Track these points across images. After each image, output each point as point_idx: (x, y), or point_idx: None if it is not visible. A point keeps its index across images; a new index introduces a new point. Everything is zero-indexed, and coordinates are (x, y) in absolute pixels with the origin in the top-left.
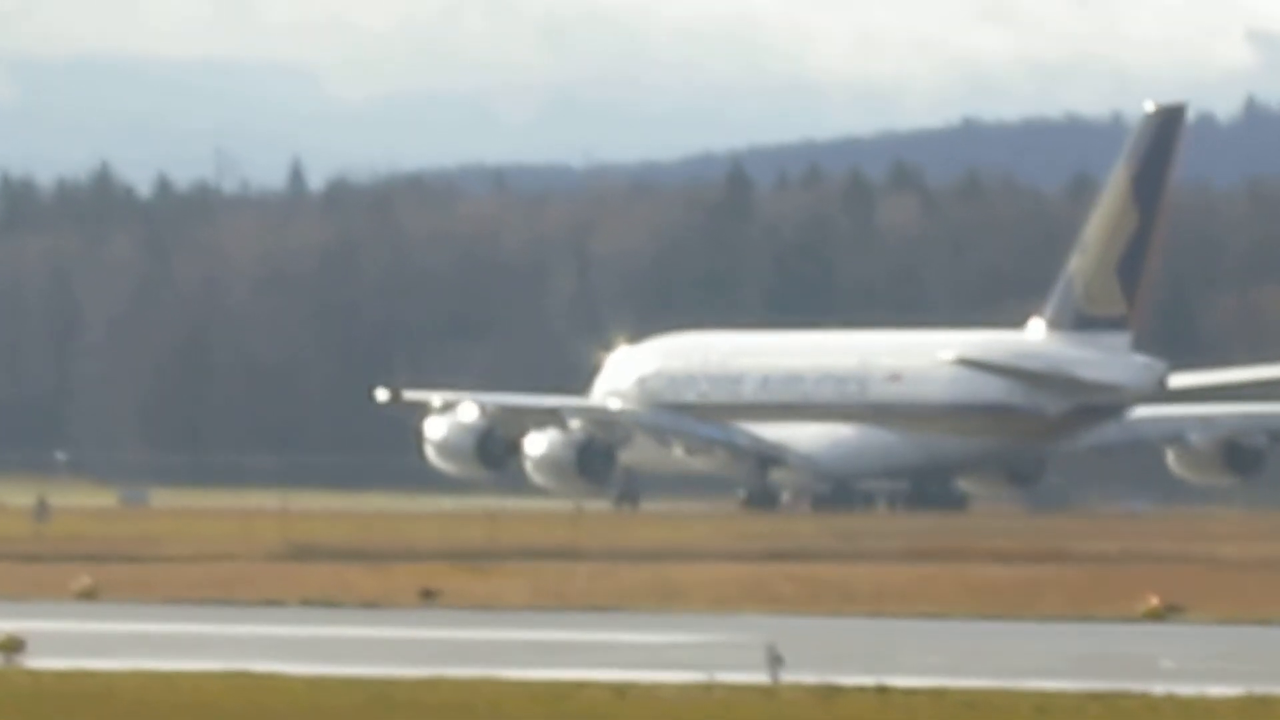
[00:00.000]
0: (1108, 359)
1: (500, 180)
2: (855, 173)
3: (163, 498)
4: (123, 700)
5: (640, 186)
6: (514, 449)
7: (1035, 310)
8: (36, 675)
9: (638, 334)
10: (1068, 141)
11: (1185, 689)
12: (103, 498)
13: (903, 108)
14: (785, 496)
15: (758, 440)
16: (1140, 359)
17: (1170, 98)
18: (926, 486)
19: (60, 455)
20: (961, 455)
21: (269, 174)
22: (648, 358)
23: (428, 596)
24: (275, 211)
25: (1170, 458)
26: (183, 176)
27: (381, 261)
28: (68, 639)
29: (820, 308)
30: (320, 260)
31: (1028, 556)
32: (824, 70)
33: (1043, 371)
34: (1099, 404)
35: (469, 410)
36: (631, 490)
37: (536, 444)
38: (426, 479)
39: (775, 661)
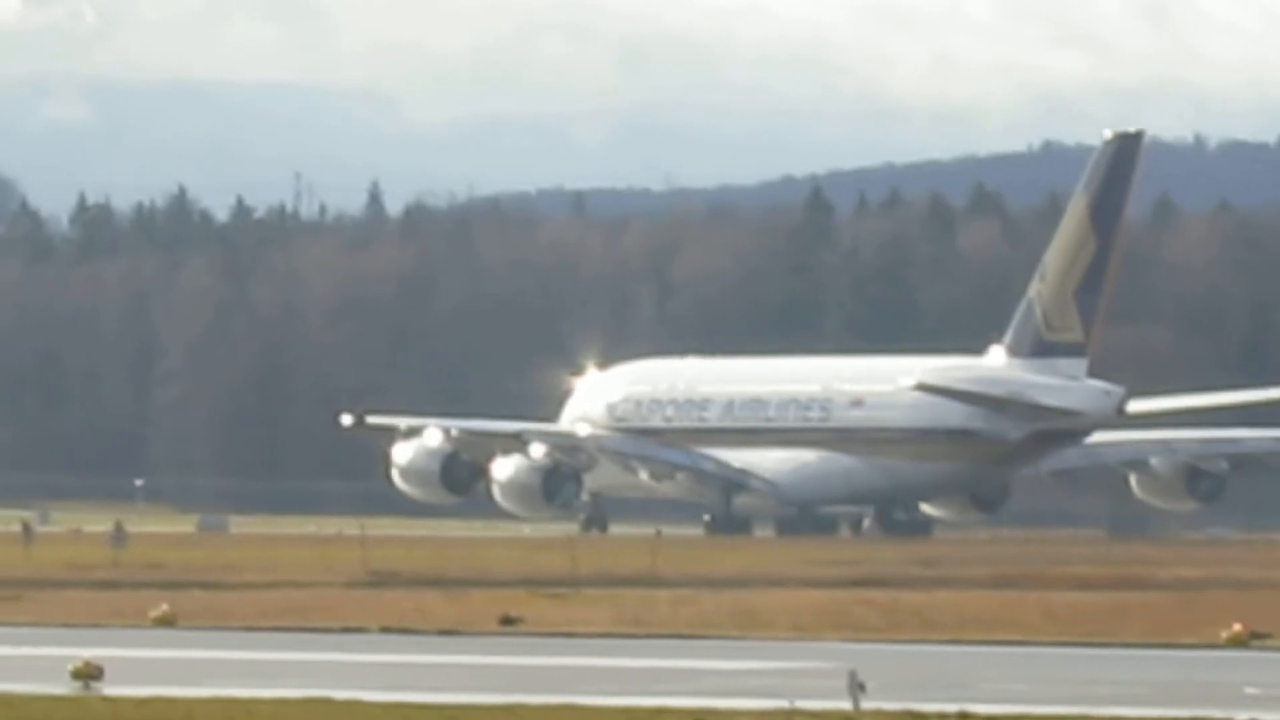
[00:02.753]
0: (1067, 385)
1: (579, 204)
2: (935, 196)
3: (241, 524)
4: None
5: (719, 210)
6: (479, 473)
7: (1117, 335)
8: (114, 703)
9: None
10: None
11: (1270, 716)
12: (181, 524)
13: (981, 131)
14: (866, 522)
15: (722, 465)
16: (1099, 384)
17: (1249, 120)
18: (891, 511)
19: (138, 482)
20: (924, 480)
21: (347, 199)
22: (615, 383)
23: (507, 623)
24: (353, 237)
25: (1133, 482)
26: (260, 202)
27: (459, 286)
28: (146, 666)
29: (901, 332)
30: (398, 286)
31: (1110, 583)
32: (902, 93)
33: (1003, 397)
34: (1058, 429)
35: (434, 435)
36: (599, 515)
37: (503, 469)
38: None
39: (857, 688)
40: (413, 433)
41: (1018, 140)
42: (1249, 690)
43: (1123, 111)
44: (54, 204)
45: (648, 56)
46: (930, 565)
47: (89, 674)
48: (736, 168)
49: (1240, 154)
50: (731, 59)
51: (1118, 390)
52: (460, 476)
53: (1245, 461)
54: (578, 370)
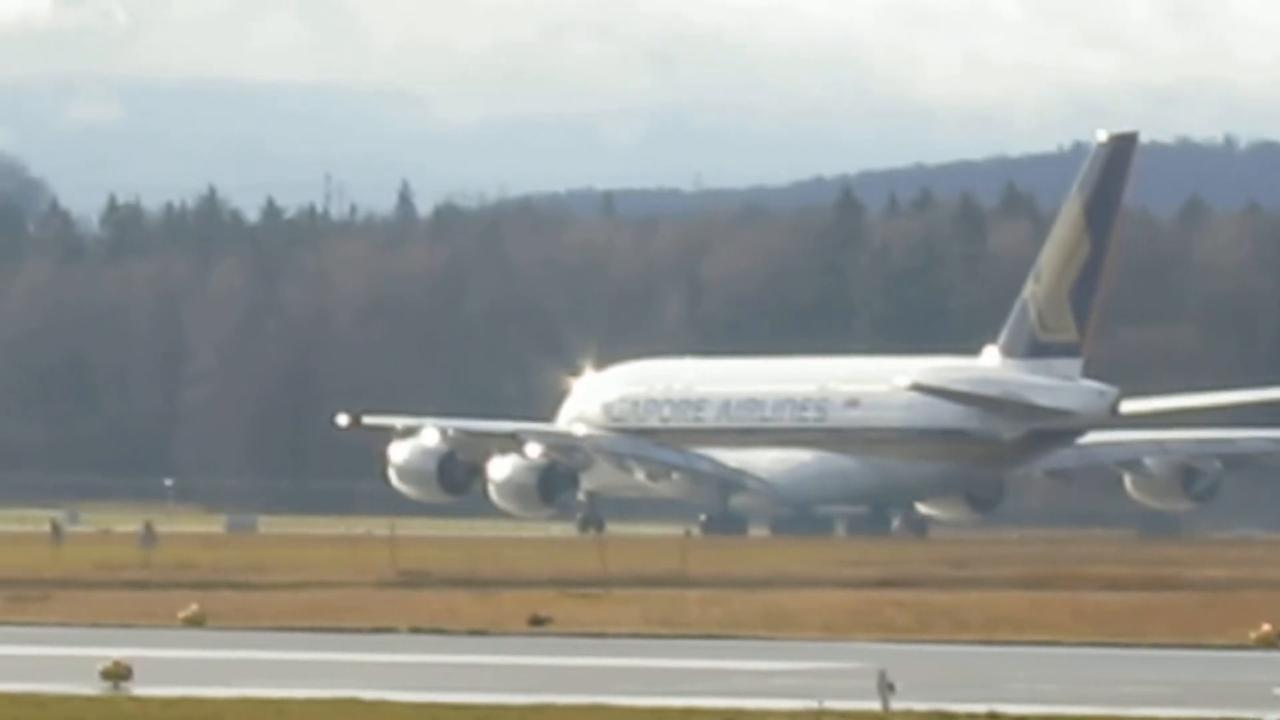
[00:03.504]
0: (1061, 385)
1: (609, 204)
2: (965, 196)
3: (270, 524)
4: None
5: (750, 210)
6: (476, 473)
7: (1146, 335)
8: (144, 703)
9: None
10: (1178, 165)
11: None
12: (210, 524)
13: (1012, 131)
14: (895, 523)
15: (718, 465)
16: (1093, 385)
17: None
18: (886, 511)
19: (168, 482)
20: (918, 480)
21: (377, 199)
22: (612, 383)
23: (536, 623)
24: (383, 237)
25: (1128, 482)
26: (290, 202)
27: (490, 286)
28: (175, 666)
29: (931, 332)
30: (428, 286)
31: (1139, 583)
32: (933, 94)
33: (997, 397)
34: (1052, 429)
35: (431, 435)
36: (596, 515)
37: (499, 468)
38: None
39: (886, 689)
40: (409, 432)
41: (1048, 140)
42: (1278, 691)
43: (1153, 112)
44: (84, 204)
45: (678, 56)
46: (960, 565)
47: (118, 674)
48: (767, 168)
49: (1270, 154)
50: (762, 59)
51: (1111, 390)
52: (457, 476)
53: (1239, 461)
54: (575, 371)
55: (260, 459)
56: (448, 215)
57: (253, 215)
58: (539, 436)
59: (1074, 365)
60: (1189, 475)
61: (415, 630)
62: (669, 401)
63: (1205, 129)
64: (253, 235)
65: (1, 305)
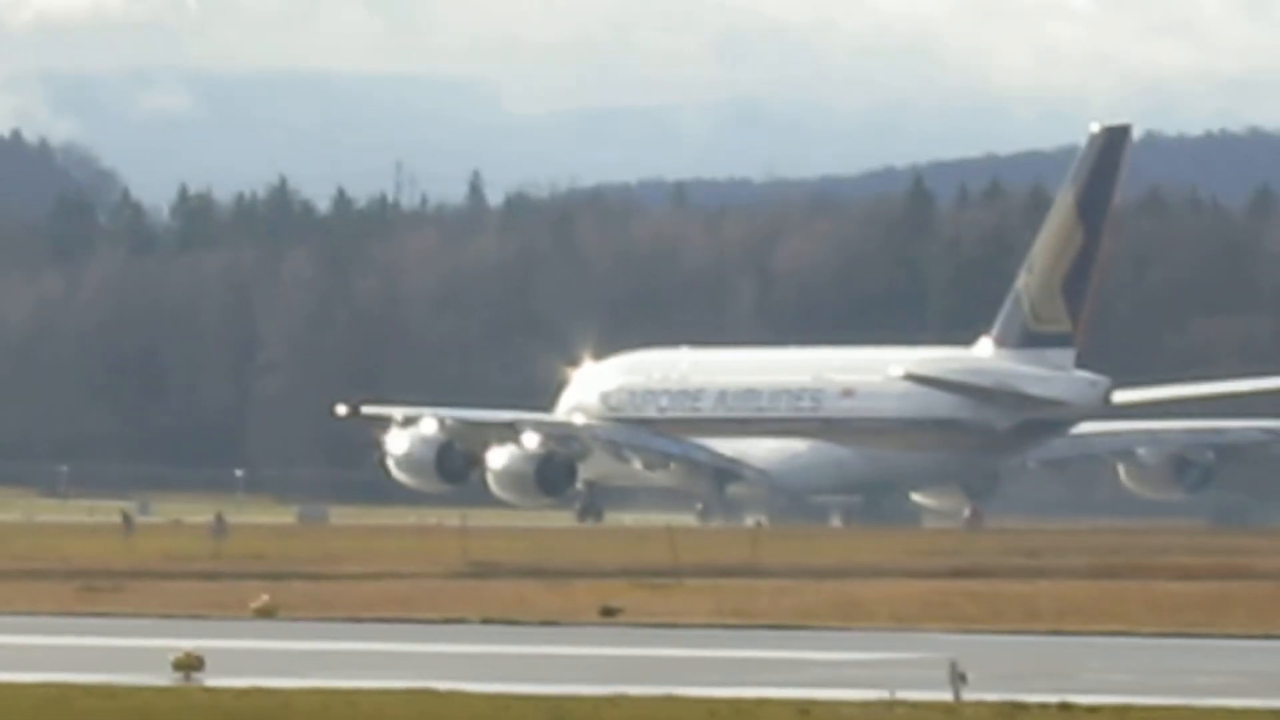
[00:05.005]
0: (1053, 375)
1: (680, 195)
2: (1036, 186)
3: (341, 515)
4: (302, 718)
5: (821, 201)
6: (474, 463)
7: (1218, 325)
8: (215, 693)
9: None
10: (1250, 155)
11: None
12: (281, 515)
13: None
14: (966, 511)
15: (714, 455)
16: (1085, 375)
17: None
18: (880, 500)
19: (239, 473)
20: (913, 469)
21: (448, 189)
22: (610, 373)
23: (608, 614)
24: (454, 227)
25: (1121, 472)
26: (361, 192)
27: (560, 277)
28: (246, 657)
29: None
30: (499, 276)
31: (1212, 573)
32: (1004, 84)
33: (989, 387)
34: (1045, 419)
35: (429, 425)
36: (594, 504)
37: (497, 458)
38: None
39: (958, 679)
40: (409, 422)
41: None
42: None
43: (1223, 101)
44: (155, 195)
45: (748, 47)
46: (1031, 555)
47: (190, 665)
48: (837, 158)
49: None
50: (832, 50)
51: (1104, 380)
52: (455, 465)
53: (1232, 451)
54: (574, 361)
55: (331, 449)
56: (518, 206)
57: (323, 205)
58: (537, 426)
59: (1067, 355)
60: (1182, 465)
61: (486, 621)
62: (666, 392)
63: (1276, 119)
64: (324, 225)
65: (73, 296)
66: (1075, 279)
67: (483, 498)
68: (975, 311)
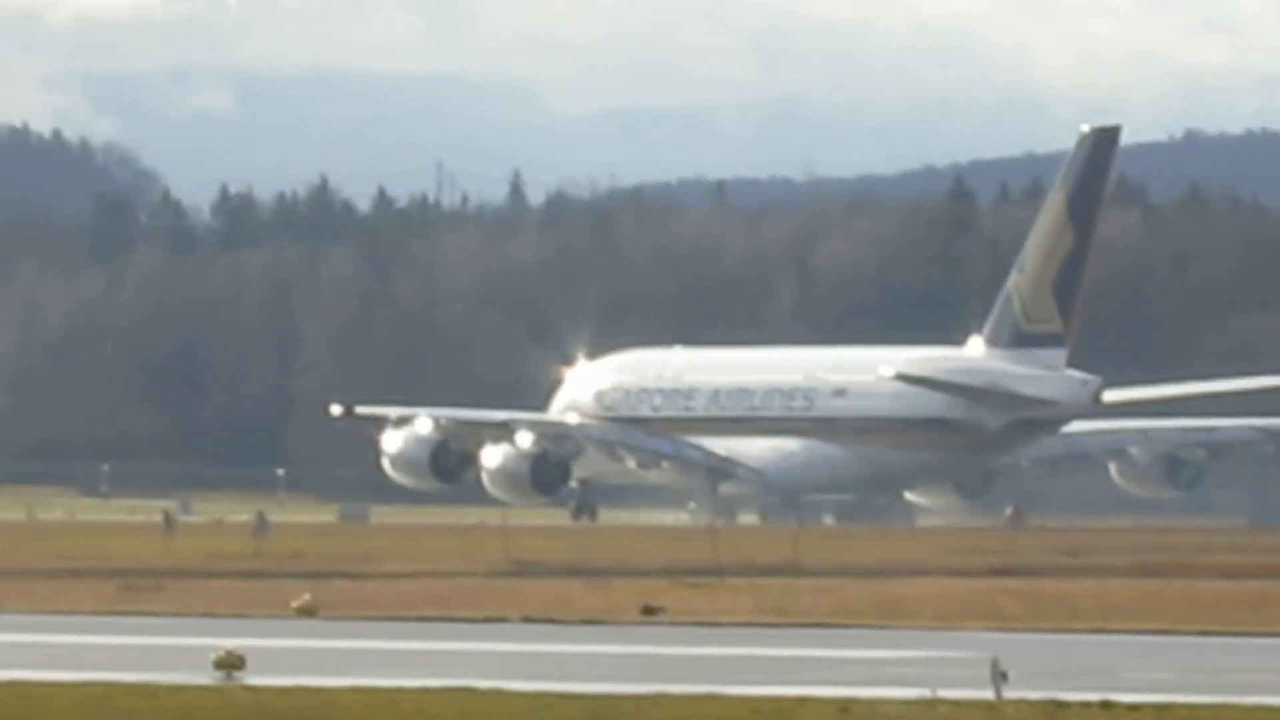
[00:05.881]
0: (1044, 374)
1: (720, 193)
2: None
3: (382, 514)
4: (343, 717)
5: (861, 199)
6: (468, 462)
7: (1258, 322)
8: (257, 692)
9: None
10: None
11: None
12: (322, 514)
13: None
14: (1007, 511)
15: (708, 454)
16: (1076, 374)
17: None
18: (873, 499)
19: (280, 472)
20: (905, 468)
21: (488, 189)
22: (604, 373)
23: (649, 613)
24: (494, 227)
25: (1112, 471)
26: (402, 191)
27: (601, 276)
28: (288, 656)
29: None
30: (539, 275)
31: (1254, 571)
32: (1044, 83)
33: (980, 386)
34: (1036, 418)
35: (424, 424)
36: (588, 502)
37: (492, 457)
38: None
39: (999, 677)
40: (403, 422)
41: (1159, 130)
42: None
43: (1264, 100)
44: (196, 194)
45: (787, 46)
46: (1073, 554)
47: (231, 664)
48: (878, 157)
49: None
50: (872, 49)
51: (1094, 380)
52: (449, 465)
53: (1223, 450)
54: (568, 360)
55: (372, 449)
56: (559, 205)
57: (364, 205)
58: (530, 425)
59: (1058, 355)
60: (1173, 464)
61: (527, 620)
62: (660, 391)
63: None
64: (364, 225)
65: (114, 296)
66: (1066, 279)
67: (478, 497)
68: None
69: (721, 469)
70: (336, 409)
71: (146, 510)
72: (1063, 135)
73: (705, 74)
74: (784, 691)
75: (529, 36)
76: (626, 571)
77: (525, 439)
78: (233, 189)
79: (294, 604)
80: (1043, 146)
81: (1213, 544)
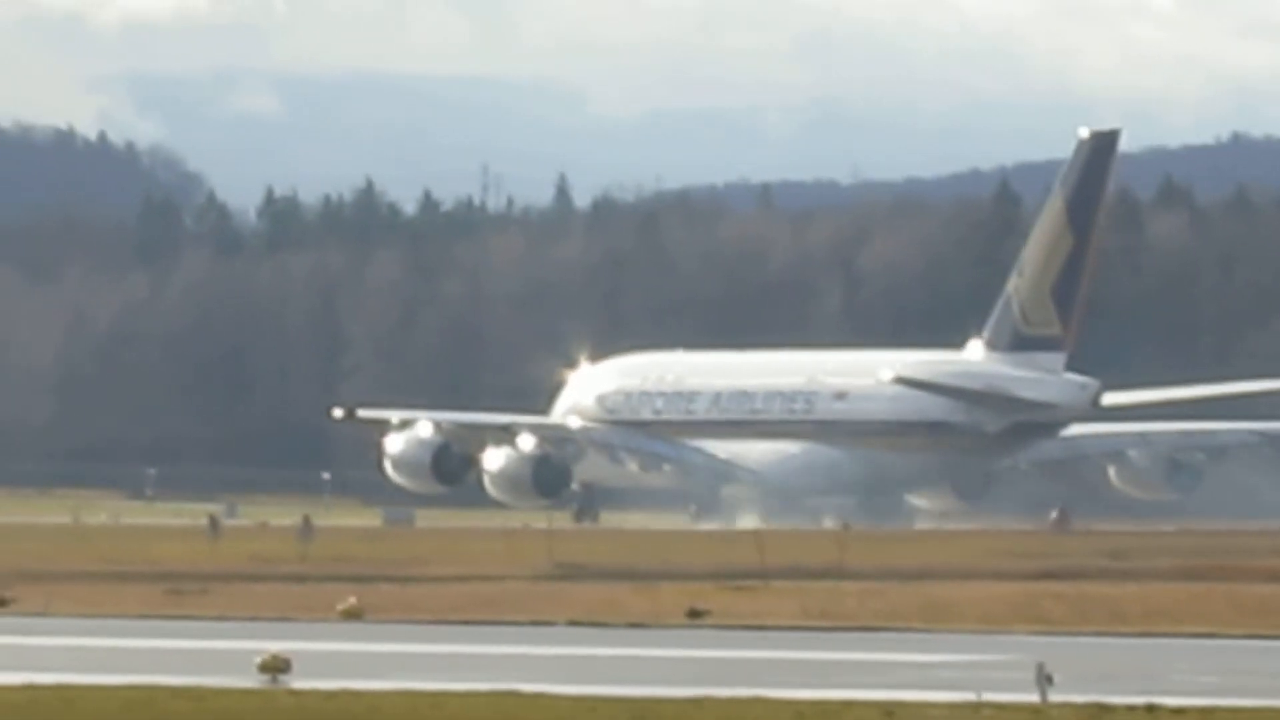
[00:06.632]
0: (1043, 378)
1: (766, 196)
2: (1123, 188)
3: (427, 518)
4: None
5: (907, 202)
6: (470, 464)
7: None
8: (302, 696)
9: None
10: None
11: None
12: (367, 518)
13: (1169, 123)
14: (1053, 513)
15: (709, 457)
16: (1075, 378)
17: None
18: (874, 502)
19: (325, 475)
20: (905, 471)
21: (534, 192)
22: (606, 376)
23: (695, 616)
24: (540, 230)
25: (1112, 474)
26: (447, 194)
27: (647, 279)
28: (333, 659)
29: (1088, 324)
30: (586, 278)
31: None
32: (1090, 86)
33: (980, 390)
34: (1035, 421)
35: (425, 427)
36: (590, 505)
37: (493, 459)
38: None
39: (1045, 681)
40: (405, 425)
41: (1206, 132)
42: None
43: None
44: (241, 197)
45: (832, 48)
46: (1118, 557)
47: (276, 667)
48: (923, 160)
49: None
50: (919, 51)
51: (1093, 383)
52: (451, 467)
53: (1222, 453)
54: (571, 363)
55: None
56: (605, 208)
57: (410, 208)
58: (532, 428)
59: (1057, 359)
60: (1173, 467)
61: (573, 623)
62: (661, 394)
63: None
64: (410, 228)
65: (159, 298)
66: (1065, 283)
67: (479, 500)
68: None
69: (723, 472)
70: (338, 412)
71: (192, 514)
72: None
73: (750, 77)
74: (829, 695)
75: (574, 39)
76: (672, 575)
77: (527, 442)
78: (278, 192)
79: (339, 607)
80: None
81: (1257, 547)
